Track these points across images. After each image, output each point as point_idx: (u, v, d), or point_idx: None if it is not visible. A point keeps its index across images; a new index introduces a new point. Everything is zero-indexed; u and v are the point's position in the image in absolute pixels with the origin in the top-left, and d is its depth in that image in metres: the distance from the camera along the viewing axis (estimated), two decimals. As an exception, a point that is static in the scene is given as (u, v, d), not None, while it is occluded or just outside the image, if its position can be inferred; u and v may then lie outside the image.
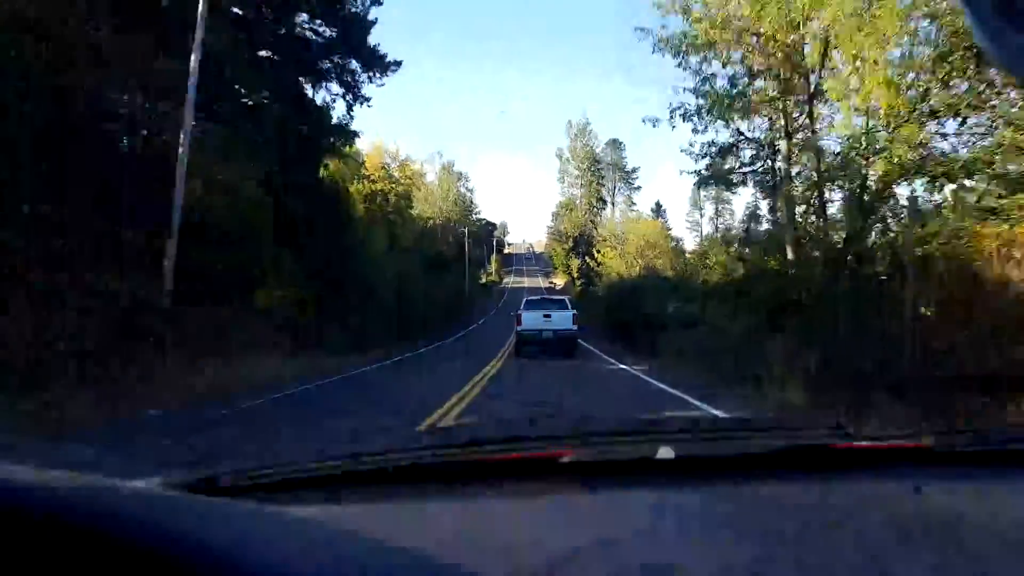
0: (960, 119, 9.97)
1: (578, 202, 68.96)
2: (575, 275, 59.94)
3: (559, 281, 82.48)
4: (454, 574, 0.63)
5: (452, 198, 69.71)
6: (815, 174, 13.00)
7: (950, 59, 9.47)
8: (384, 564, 0.55)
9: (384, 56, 21.27)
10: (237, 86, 17.41)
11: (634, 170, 73.63)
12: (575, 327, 18.27)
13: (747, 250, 16.98)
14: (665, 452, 1.07)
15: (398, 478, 1.05)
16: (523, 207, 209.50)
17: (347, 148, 24.50)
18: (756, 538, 0.82)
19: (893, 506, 0.91)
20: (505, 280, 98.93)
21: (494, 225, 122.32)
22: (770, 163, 15.35)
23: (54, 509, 0.48)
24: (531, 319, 18.19)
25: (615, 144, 75.62)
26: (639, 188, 76.08)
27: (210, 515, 0.56)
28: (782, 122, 14.27)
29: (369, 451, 1.16)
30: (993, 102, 9.60)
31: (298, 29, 20.02)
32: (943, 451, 1.13)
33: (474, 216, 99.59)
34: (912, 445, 1.17)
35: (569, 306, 19.59)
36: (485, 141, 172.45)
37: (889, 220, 11.32)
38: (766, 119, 14.70)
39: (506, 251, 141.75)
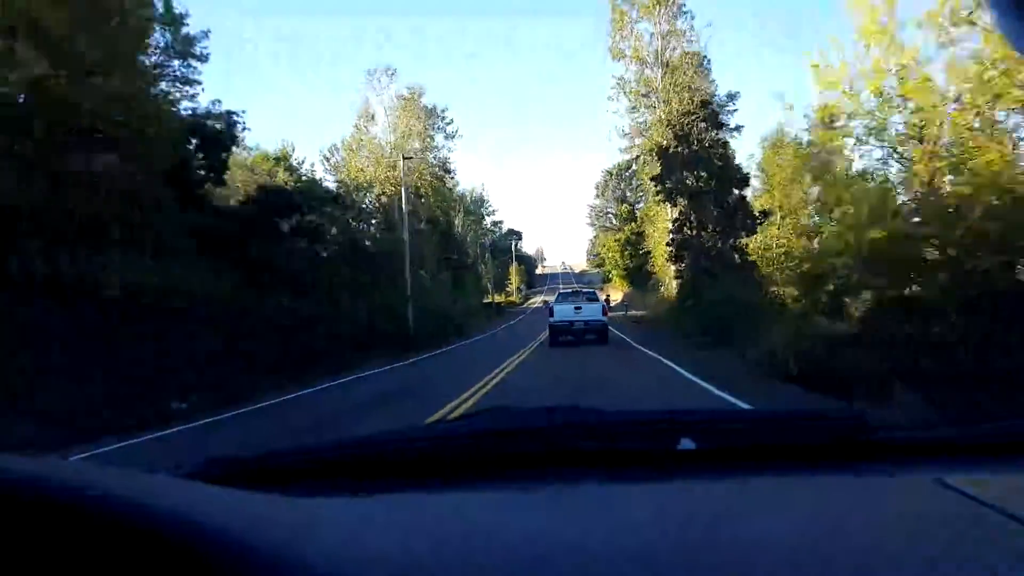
0: None
1: (657, 92, 30.06)
2: (671, 254, 26.05)
3: (615, 294, 51.84)
4: (466, 565, 0.63)
5: (420, 149, 38.26)
6: None
7: None
8: (396, 552, 0.57)
9: None
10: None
11: (732, 97, 37.85)
12: (604, 317, 18.72)
13: None
14: (686, 443, 1.07)
15: (410, 468, 1.06)
16: (561, 236, 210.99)
17: None
18: (778, 531, 0.80)
19: (916, 499, 0.91)
20: (533, 300, 69.06)
21: (518, 234, 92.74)
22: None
23: (66, 495, 0.49)
24: (563, 311, 18.72)
25: (694, 60, 39.74)
26: (739, 129, 33.85)
27: (221, 502, 0.58)
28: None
29: (382, 441, 1.18)
30: None
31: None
32: (967, 444, 1.12)
33: (487, 219, 70.03)
34: (936, 438, 1.18)
35: (599, 298, 20.20)
36: (520, 164, 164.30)
37: None
38: None
39: (540, 271, 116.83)
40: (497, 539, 0.74)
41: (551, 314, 18.84)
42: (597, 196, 62.09)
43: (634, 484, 0.98)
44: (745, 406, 8.57)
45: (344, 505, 0.86)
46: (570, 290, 23.59)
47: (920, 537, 0.75)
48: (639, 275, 44.05)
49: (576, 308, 18.64)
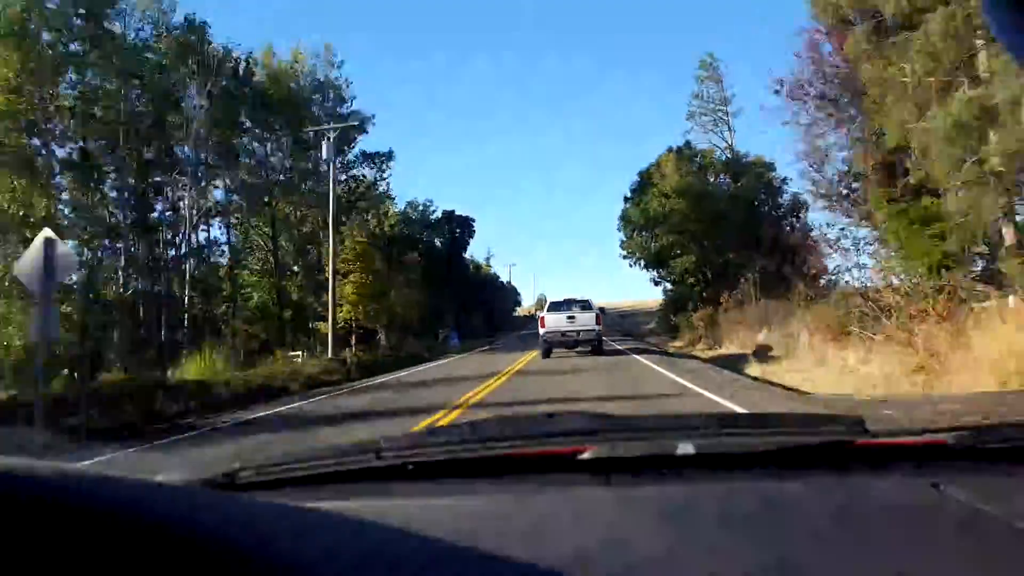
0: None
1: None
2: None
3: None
4: (466, 567, 0.64)
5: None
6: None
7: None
8: (406, 556, 0.58)
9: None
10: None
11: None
12: (598, 327, 18.64)
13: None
14: (686, 448, 1.09)
15: (417, 474, 1.09)
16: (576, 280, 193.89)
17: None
18: (776, 534, 0.82)
19: (911, 503, 0.92)
20: (443, 362, 22.91)
21: (465, 220, 46.83)
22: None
23: (75, 501, 0.48)
24: (555, 321, 18.71)
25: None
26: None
27: (231, 509, 0.59)
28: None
29: (389, 447, 1.18)
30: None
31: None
32: (962, 448, 1.12)
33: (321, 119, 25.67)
34: (931, 442, 1.16)
35: (592, 307, 19.58)
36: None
37: None
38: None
39: (528, 313, 78.09)
40: (495, 542, 0.74)
41: (543, 325, 18.95)
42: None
43: (634, 488, 0.99)
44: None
45: (347, 510, 0.84)
46: (562, 300, 21.69)
47: (915, 541, 0.77)
48: None
49: (569, 318, 18.57)
